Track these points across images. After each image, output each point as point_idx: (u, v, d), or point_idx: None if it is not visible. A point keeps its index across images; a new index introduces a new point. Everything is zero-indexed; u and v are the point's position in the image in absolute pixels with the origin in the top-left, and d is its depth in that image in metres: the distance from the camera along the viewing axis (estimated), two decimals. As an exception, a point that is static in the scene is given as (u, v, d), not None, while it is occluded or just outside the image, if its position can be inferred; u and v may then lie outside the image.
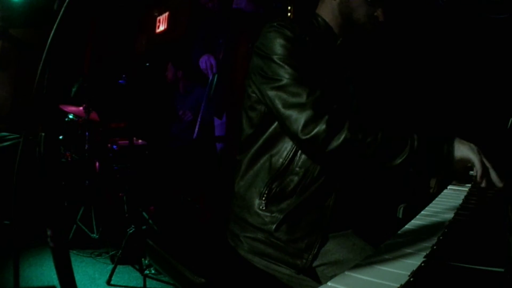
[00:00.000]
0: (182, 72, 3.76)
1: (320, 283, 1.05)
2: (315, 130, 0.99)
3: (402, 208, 1.50)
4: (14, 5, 4.05)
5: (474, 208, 0.88)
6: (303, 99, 1.02)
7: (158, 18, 5.01)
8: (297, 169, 1.11)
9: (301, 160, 1.11)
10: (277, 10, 2.81)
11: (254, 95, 1.14)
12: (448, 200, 0.97)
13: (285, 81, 1.05)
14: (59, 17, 0.67)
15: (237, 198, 1.18)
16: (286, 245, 1.09)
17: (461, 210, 0.85)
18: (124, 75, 2.93)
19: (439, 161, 0.99)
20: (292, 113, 1.02)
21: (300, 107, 1.02)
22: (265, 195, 1.11)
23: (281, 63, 1.06)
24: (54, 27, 0.67)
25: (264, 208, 1.11)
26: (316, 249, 1.09)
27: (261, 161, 1.14)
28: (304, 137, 1.01)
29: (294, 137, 1.05)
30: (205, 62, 3.08)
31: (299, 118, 1.01)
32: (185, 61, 3.76)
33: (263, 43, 1.11)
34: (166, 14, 4.88)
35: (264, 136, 1.14)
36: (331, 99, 1.05)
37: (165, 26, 4.87)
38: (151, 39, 5.10)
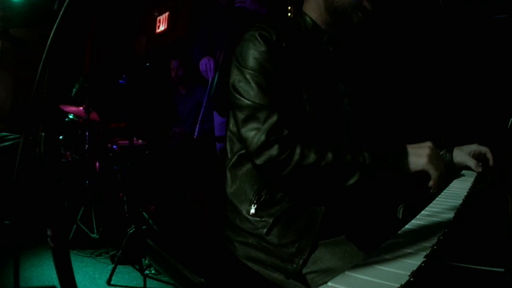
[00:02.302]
0: (183, 71, 3.76)
1: None
2: (268, 157, 1.01)
3: (402, 208, 1.50)
4: (14, 5, 4.06)
5: (475, 208, 0.88)
6: (260, 123, 1.03)
7: (158, 18, 5.02)
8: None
9: None
10: (278, 10, 2.82)
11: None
12: (448, 200, 0.97)
13: (247, 101, 1.05)
14: (59, 17, 0.67)
15: (228, 203, 1.18)
16: (277, 249, 1.08)
17: (461, 210, 0.85)
18: (124, 75, 2.94)
19: (392, 176, 1.00)
20: (248, 136, 1.04)
21: (255, 131, 1.03)
22: (254, 202, 1.11)
23: (249, 79, 1.05)
24: (54, 27, 0.67)
25: (254, 213, 1.10)
26: (306, 254, 1.07)
27: (248, 166, 1.14)
28: (258, 162, 1.02)
29: (252, 158, 1.06)
30: (205, 64, 3.10)
31: (253, 143, 1.02)
32: (185, 61, 3.77)
33: (240, 52, 1.10)
34: (166, 14, 4.88)
35: None
36: (287, 123, 1.04)
37: (165, 26, 4.88)
38: (151, 39, 5.10)
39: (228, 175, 1.18)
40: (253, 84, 1.05)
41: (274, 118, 1.03)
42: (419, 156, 0.98)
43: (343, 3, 1.12)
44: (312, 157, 1.00)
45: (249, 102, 1.05)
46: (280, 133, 1.02)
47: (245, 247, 1.12)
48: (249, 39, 1.09)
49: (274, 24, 1.12)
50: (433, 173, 0.97)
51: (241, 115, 1.06)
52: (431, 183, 0.98)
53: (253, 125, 1.03)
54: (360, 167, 0.98)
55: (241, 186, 1.14)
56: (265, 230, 1.09)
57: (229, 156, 1.19)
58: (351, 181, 0.99)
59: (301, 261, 1.06)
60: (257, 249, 1.10)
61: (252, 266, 1.12)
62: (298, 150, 1.00)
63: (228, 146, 1.20)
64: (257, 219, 1.10)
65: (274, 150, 1.00)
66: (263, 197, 1.11)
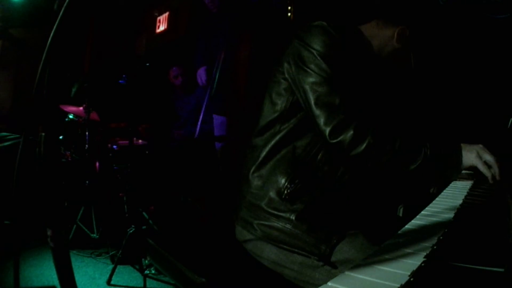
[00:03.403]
0: (185, 78, 3.77)
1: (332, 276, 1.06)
2: (342, 136, 1.06)
3: (402, 208, 1.50)
4: (14, 5, 4.06)
5: (475, 208, 0.88)
6: (336, 101, 1.07)
7: (158, 18, 5.01)
8: (320, 164, 1.16)
9: (326, 157, 1.16)
10: (278, 10, 2.82)
11: (284, 81, 1.18)
12: (448, 200, 0.97)
13: (321, 78, 1.09)
14: (59, 17, 0.67)
15: (251, 186, 1.19)
16: (304, 234, 1.10)
17: (461, 210, 0.85)
18: (124, 75, 2.93)
19: (448, 168, 1.07)
20: (323, 114, 1.08)
21: (332, 108, 1.07)
22: (287, 188, 1.13)
23: (321, 59, 1.10)
24: (54, 27, 0.67)
25: (287, 198, 1.13)
26: (335, 241, 1.10)
27: (283, 152, 1.17)
28: (331, 141, 1.07)
29: (322, 136, 1.10)
30: (199, 76, 3.16)
31: (329, 121, 1.07)
32: (185, 61, 3.77)
33: (307, 35, 1.14)
34: (166, 14, 4.88)
35: (288, 126, 1.17)
36: (360, 105, 1.10)
37: (165, 26, 4.87)
38: (151, 39, 5.10)
39: (261, 157, 1.19)
40: (325, 65, 1.10)
41: (350, 98, 1.08)
42: (470, 151, 1.07)
43: (399, 53, 1.27)
44: (382, 140, 1.06)
45: (323, 80, 1.09)
46: (357, 114, 1.07)
47: (267, 228, 1.13)
48: (320, 26, 1.14)
49: (334, 24, 1.18)
50: (482, 168, 1.05)
51: (314, 92, 1.09)
52: (487, 175, 1.06)
53: (329, 102, 1.08)
54: (423, 156, 1.05)
55: (273, 169, 1.17)
56: (295, 214, 1.11)
57: (264, 138, 1.21)
58: (411, 167, 1.06)
59: (328, 249, 1.09)
60: (281, 231, 1.12)
61: (270, 250, 1.13)
62: (371, 132, 1.06)
63: (263, 129, 1.22)
64: (288, 203, 1.13)
65: (351, 130, 1.05)
66: (297, 184, 1.14)
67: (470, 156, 1.07)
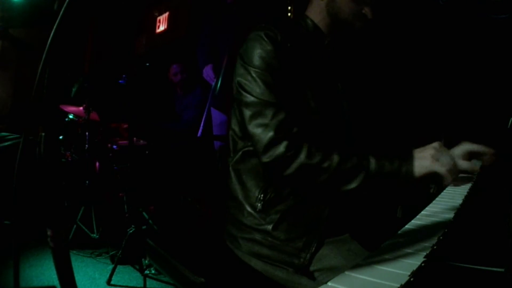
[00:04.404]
0: (185, 75, 3.77)
1: (316, 286, 1.05)
2: (275, 154, 1.01)
3: (402, 208, 1.50)
4: (14, 5, 4.06)
5: (474, 208, 0.88)
6: (267, 119, 1.03)
7: (158, 18, 5.01)
8: None
9: None
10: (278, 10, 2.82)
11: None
12: (448, 200, 0.97)
13: (253, 98, 1.05)
14: (59, 17, 0.67)
15: (231, 199, 1.18)
16: (283, 244, 1.09)
17: (461, 210, 0.85)
18: (124, 75, 2.93)
19: (397, 182, 0.98)
20: (256, 132, 1.04)
21: (263, 127, 1.03)
22: (261, 199, 1.11)
23: (255, 77, 1.06)
24: (54, 27, 0.67)
25: (260, 209, 1.11)
26: (313, 249, 1.08)
27: (253, 163, 1.14)
28: (264, 160, 1.03)
29: (258, 156, 1.06)
30: (207, 73, 3.14)
31: (261, 139, 1.02)
32: (185, 63, 3.78)
33: (244, 51, 1.11)
34: (166, 14, 4.88)
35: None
36: (294, 120, 1.05)
37: (165, 26, 4.87)
38: (151, 39, 5.10)
39: (232, 172, 1.18)
40: (259, 82, 1.06)
41: (281, 115, 1.04)
42: (423, 159, 0.97)
43: (343, 11, 1.15)
44: (317, 158, 1.00)
45: (255, 99, 1.05)
46: (289, 131, 1.03)
47: (250, 243, 1.12)
48: (255, 39, 1.10)
49: (279, 24, 1.13)
50: (441, 170, 0.94)
51: (248, 112, 1.06)
52: (445, 182, 0.95)
53: (261, 121, 1.04)
54: (364, 172, 0.98)
55: (245, 183, 1.15)
56: (271, 225, 1.09)
57: (232, 153, 1.20)
58: (352, 186, 0.98)
59: (308, 256, 1.07)
60: (263, 244, 1.10)
61: (256, 263, 1.12)
62: (304, 149, 1.00)
63: (231, 144, 1.21)
64: (264, 215, 1.11)
65: (282, 147, 1.00)
66: (269, 194, 1.11)
67: (424, 163, 0.96)
